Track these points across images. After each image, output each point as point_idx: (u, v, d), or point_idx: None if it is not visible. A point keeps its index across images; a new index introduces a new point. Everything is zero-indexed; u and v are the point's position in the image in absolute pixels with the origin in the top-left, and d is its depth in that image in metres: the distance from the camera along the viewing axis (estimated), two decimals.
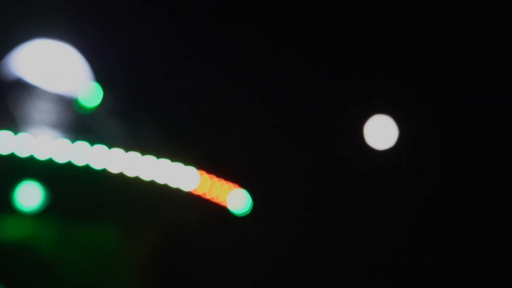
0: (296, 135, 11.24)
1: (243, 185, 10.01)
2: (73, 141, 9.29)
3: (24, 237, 11.48)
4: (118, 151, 9.32)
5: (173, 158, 9.44)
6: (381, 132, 11.27)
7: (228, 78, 10.98)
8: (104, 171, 9.39)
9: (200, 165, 9.61)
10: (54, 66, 10.30)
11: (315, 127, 11.43)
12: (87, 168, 9.34)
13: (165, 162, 9.43)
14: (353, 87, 11.36)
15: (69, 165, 9.35)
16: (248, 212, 10.15)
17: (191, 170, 9.57)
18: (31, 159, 9.28)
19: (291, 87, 11.23)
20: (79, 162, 9.33)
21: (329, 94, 11.43)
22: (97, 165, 9.36)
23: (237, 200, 9.98)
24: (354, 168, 11.19)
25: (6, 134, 9.12)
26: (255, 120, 11.01)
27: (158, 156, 9.39)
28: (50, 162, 9.31)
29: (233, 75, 10.98)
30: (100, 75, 10.53)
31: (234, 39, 11.03)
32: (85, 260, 11.71)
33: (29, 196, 10.15)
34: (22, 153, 9.22)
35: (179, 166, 9.49)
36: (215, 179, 9.73)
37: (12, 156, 9.19)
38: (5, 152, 9.17)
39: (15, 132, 9.24)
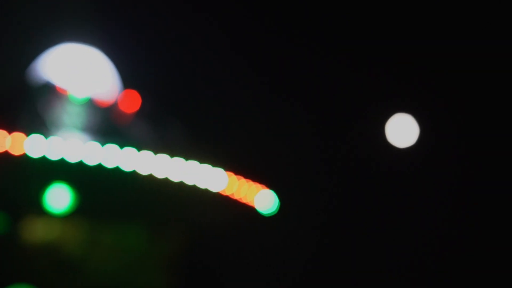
0: (320, 135, 11.34)
1: (270, 185, 10.08)
2: (103, 144, 9.39)
3: (53, 238, 11.63)
4: (147, 153, 9.41)
5: (201, 160, 9.53)
6: (402, 130, 11.35)
7: (253, 81, 11.10)
8: (133, 173, 9.48)
9: (228, 167, 9.68)
10: (83, 70, 10.45)
11: (338, 127, 11.53)
12: (116, 170, 9.44)
13: (193, 163, 9.52)
14: (375, 86, 11.45)
15: (99, 167, 9.44)
16: (275, 212, 10.26)
17: (219, 172, 9.65)
18: (61, 162, 9.38)
19: (315, 88, 11.33)
20: (108, 164, 9.43)
21: (351, 94, 11.52)
22: (126, 167, 9.47)
23: (264, 200, 10.07)
24: (377, 167, 11.29)
25: (37, 137, 9.23)
26: (280, 122, 11.12)
27: (187, 158, 9.48)
28: (80, 165, 9.39)
29: (258, 78, 11.10)
30: (127, 79, 10.68)
31: (259, 42, 11.15)
32: (113, 261, 11.83)
33: (59, 198, 10.29)
34: (53, 156, 9.34)
35: (207, 167, 9.58)
36: (242, 180, 9.81)
37: (43, 159, 9.30)
38: (36, 155, 9.28)
39: (46, 136, 9.37)
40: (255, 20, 11.06)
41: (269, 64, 11.06)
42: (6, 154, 9.15)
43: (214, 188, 9.68)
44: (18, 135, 9.16)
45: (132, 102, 10.27)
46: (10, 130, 9.19)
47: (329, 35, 11.38)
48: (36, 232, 11.55)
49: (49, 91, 9.94)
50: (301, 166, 10.92)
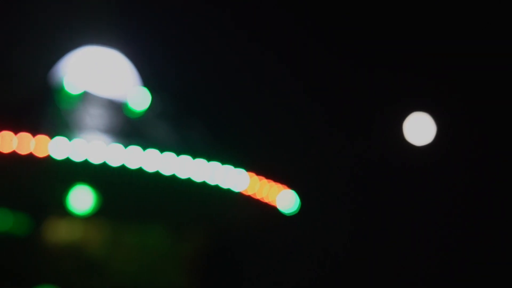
0: (338, 134, 11.39)
1: (291, 185, 10.14)
2: (125, 145, 9.46)
3: (76, 239, 11.73)
4: (169, 155, 9.47)
5: (223, 161, 9.59)
6: (419, 129, 11.39)
7: (273, 81, 11.17)
8: (155, 174, 9.55)
9: (249, 167, 9.75)
10: (104, 72, 10.53)
11: (357, 126, 11.58)
12: (139, 171, 9.51)
13: (215, 164, 9.59)
14: (392, 85, 11.50)
15: (122, 169, 9.51)
16: (297, 212, 10.32)
17: (241, 172, 9.71)
18: (85, 163, 9.44)
19: (334, 88, 11.38)
20: (131, 166, 9.50)
21: (369, 94, 11.57)
22: (149, 169, 9.53)
23: (285, 200, 10.13)
24: (395, 165, 11.33)
25: (61, 139, 9.31)
26: (300, 121, 11.19)
27: (209, 158, 9.55)
28: (103, 166, 9.46)
29: (279, 78, 11.16)
30: (148, 80, 10.76)
31: (279, 43, 11.21)
32: (135, 261, 11.92)
33: (82, 199, 10.38)
34: (77, 158, 9.41)
35: (229, 168, 9.65)
36: (264, 180, 9.87)
37: (67, 161, 9.38)
38: (60, 157, 9.36)
39: (69, 138, 9.45)
40: (275, 20, 11.13)
41: (289, 64, 11.13)
42: (30, 156, 9.25)
43: (236, 188, 9.74)
44: (42, 138, 9.25)
45: (153, 103, 10.36)
46: (34, 133, 9.28)
47: (347, 34, 11.45)
48: (59, 233, 11.65)
49: (71, 93, 10.05)
50: (321, 165, 10.98)
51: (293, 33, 11.15)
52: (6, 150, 9.25)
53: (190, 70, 10.83)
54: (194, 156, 9.50)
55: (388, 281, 11.03)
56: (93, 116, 9.95)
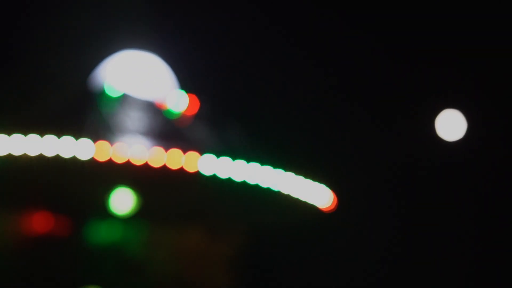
0: (374, 132, 11.45)
1: (328, 183, 10.23)
2: (165, 147, 9.58)
3: (117, 240, 11.90)
4: (209, 156, 9.58)
5: (263, 161, 9.70)
6: (451, 125, 11.43)
7: (309, 80, 11.24)
8: (196, 175, 9.65)
9: (288, 167, 9.85)
10: (142, 75, 10.69)
11: (391, 123, 11.64)
12: (179, 172, 9.62)
13: (254, 165, 9.70)
14: (425, 82, 11.55)
15: (163, 170, 9.62)
16: (334, 211, 10.41)
17: (280, 172, 9.82)
18: (126, 165, 9.56)
19: (369, 86, 11.44)
20: (172, 167, 9.60)
21: (403, 91, 11.62)
22: (189, 170, 9.64)
23: (323, 198, 10.23)
24: (429, 161, 11.37)
25: (103, 143, 9.45)
26: (335, 120, 11.25)
27: (248, 159, 9.66)
28: (144, 168, 9.58)
29: (314, 77, 11.23)
30: (186, 83, 10.92)
31: (314, 41, 11.27)
32: (176, 262, 12.05)
33: (123, 200, 10.54)
34: (118, 160, 9.54)
35: (268, 168, 9.76)
36: (302, 179, 9.96)
37: (109, 163, 9.52)
38: (102, 159, 9.51)
39: (111, 141, 9.59)
40: (309, 17, 11.18)
41: (324, 63, 11.20)
42: (74, 159, 9.40)
43: (275, 188, 9.83)
44: (84, 141, 9.40)
45: (192, 105, 10.50)
46: (76, 136, 9.44)
47: (380, 32, 11.49)
48: (101, 234, 11.84)
49: (112, 96, 10.21)
50: (357, 162, 11.05)
51: (327, 31, 11.23)
52: (50, 153, 9.46)
53: (227, 71, 10.96)
54: (234, 157, 9.62)
55: (428, 279, 11.08)
56: (133, 118, 10.10)
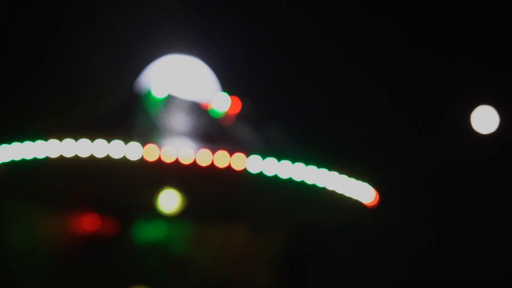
0: (411, 130, 11.59)
1: (370, 182, 10.32)
2: (212, 148, 9.70)
3: (164, 239, 12.11)
4: (255, 156, 9.67)
5: (307, 161, 9.80)
6: (485, 120, 11.52)
7: (347, 80, 11.40)
8: (241, 175, 9.76)
9: (331, 166, 9.95)
10: (187, 78, 10.94)
11: (426, 120, 11.77)
12: (226, 172, 9.72)
13: (299, 165, 9.80)
14: (461, 79, 11.66)
15: (208, 169, 9.73)
16: (376, 208, 10.51)
17: (324, 171, 9.87)
18: (172, 165, 9.69)
19: (407, 84, 11.57)
20: (218, 166, 9.70)
21: (435, 87, 11.73)
22: (235, 169, 9.75)
23: (365, 196, 10.31)
24: (469, 157, 11.46)
25: (151, 145, 9.62)
26: (373, 118, 11.39)
27: (293, 160, 9.75)
28: (189, 168, 9.70)
29: (352, 77, 11.39)
30: (228, 85, 11.15)
31: (351, 41, 11.42)
32: (221, 261, 12.22)
33: (169, 200, 10.74)
34: (165, 160, 9.69)
35: (312, 168, 9.85)
36: (344, 177, 10.02)
37: (157, 162, 9.64)
38: (150, 159, 9.66)
39: (159, 142, 9.77)
40: (350, 18, 11.33)
41: (364, 64, 11.34)
42: (124, 159, 9.58)
43: (319, 187, 9.84)
44: (134, 144, 9.57)
45: (235, 107, 10.69)
46: (126, 140, 9.59)
47: (417, 29, 11.67)
48: (149, 234, 12.06)
49: (157, 99, 10.43)
50: (397, 159, 11.16)
51: (367, 32, 11.37)
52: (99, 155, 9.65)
53: (269, 72, 11.15)
54: (279, 157, 9.73)
55: (464, 278, 11.16)
56: (180, 120, 10.30)
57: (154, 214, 11.35)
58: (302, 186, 9.76)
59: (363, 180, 10.25)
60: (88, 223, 12.00)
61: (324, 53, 11.34)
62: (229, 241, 12.12)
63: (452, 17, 11.60)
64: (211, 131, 10.21)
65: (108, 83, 11.57)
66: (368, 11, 11.27)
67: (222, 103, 10.69)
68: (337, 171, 9.96)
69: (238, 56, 11.34)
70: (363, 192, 10.26)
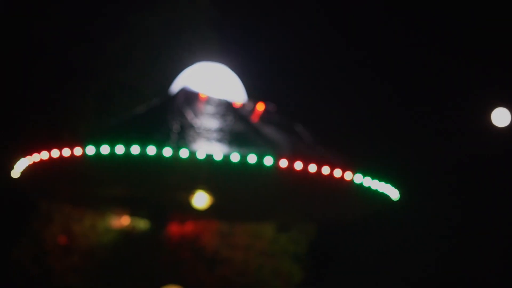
0: (435, 128, 11.86)
1: (393, 181, 10.42)
2: (240, 150, 9.95)
3: (195, 240, 12.46)
4: (281, 159, 9.71)
5: (332, 164, 9.91)
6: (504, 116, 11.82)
7: (370, 84, 11.67)
8: (268, 175, 10.01)
9: (355, 167, 10.03)
10: (215, 84, 11.31)
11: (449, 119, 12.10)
12: (255, 172, 9.95)
13: (324, 168, 9.81)
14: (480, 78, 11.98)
15: (236, 170, 9.85)
16: (400, 207, 10.68)
17: (349, 173, 9.94)
18: (203, 165, 9.81)
19: (429, 84, 11.82)
20: (247, 168, 9.98)
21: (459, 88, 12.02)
22: (263, 170, 10.01)
23: (390, 195, 10.47)
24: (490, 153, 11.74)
25: (183, 146, 9.90)
26: (395, 117, 11.64)
27: (318, 162, 9.89)
28: (219, 168, 9.79)
29: (375, 82, 11.69)
30: (253, 90, 11.53)
31: (372, 45, 11.70)
32: (252, 260, 12.56)
33: (200, 200, 11.02)
34: (196, 161, 9.93)
35: (338, 170, 9.90)
36: (369, 178, 10.09)
37: (190, 162, 9.88)
38: (184, 161, 9.94)
39: (192, 143, 10.05)
40: (369, 22, 11.61)
41: (385, 66, 11.62)
42: (160, 161, 9.86)
43: (343, 187, 9.93)
44: (168, 146, 9.87)
45: (261, 111, 11.01)
46: (161, 142, 9.86)
47: (439, 31, 12.01)
48: (180, 235, 12.40)
49: (190, 103, 10.75)
50: (420, 158, 11.38)
51: (388, 34, 11.62)
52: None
53: (293, 77, 11.42)
54: (303, 160, 9.81)
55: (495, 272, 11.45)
56: (210, 124, 10.59)
57: (188, 213, 11.63)
58: (328, 183, 9.85)
59: (389, 175, 10.41)
60: (122, 223, 12.36)
61: (346, 59, 11.62)
62: (260, 239, 12.42)
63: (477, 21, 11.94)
64: (240, 134, 10.36)
65: (143, 88, 12.05)
66: (391, 15, 11.51)
67: (249, 109, 11.01)
68: (362, 168, 10.19)
69: (264, 62, 11.68)
70: (388, 187, 10.33)
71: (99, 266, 12.19)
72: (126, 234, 12.36)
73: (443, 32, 11.87)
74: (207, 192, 10.84)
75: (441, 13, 11.84)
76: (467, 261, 11.43)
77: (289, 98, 11.42)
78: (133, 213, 12.21)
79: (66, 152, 9.65)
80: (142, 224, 12.35)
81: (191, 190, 10.79)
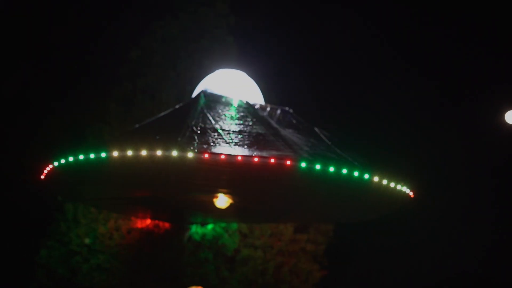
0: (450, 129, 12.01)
1: (414, 182, 10.57)
2: (260, 153, 10.09)
3: (218, 238, 12.62)
4: (302, 161, 9.82)
5: (352, 165, 10.00)
6: None
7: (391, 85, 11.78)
8: (289, 173, 10.16)
9: (377, 170, 10.11)
10: (234, 89, 11.56)
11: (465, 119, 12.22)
12: (276, 174, 10.09)
13: (344, 169, 9.85)
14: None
15: (256, 173, 9.99)
16: (420, 208, 10.82)
17: (369, 174, 9.99)
18: (226, 167, 9.97)
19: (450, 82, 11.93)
20: (268, 170, 10.14)
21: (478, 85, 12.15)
22: (284, 170, 10.20)
23: (407, 193, 10.55)
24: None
25: (206, 152, 10.09)
26: (410, 117, 11.76)
27: (338, 165, 9.99)
28: (242, 170, 9.88)
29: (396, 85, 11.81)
30: (269, 96, 11.77)
31: (393, 42, 11.81)
32: (270, 258, 12.72)
33: (222, 201, 11.22)
34: (219, 163, 10.06)
35: (358, 171, 9.96)
36: (390, 180, 10.17)
37: (213, 162, 10.00)
38: (206, 164, 10.13)
39: (214, 145, 10.24)
40: (390, 19, 11.77)
41: (406, 70, 11.76)
42: (182, 163, 10.02)
43: (361, 187, 10.05)
44: (191, 149, 10.02)
45: (281, 115, 11.23)
46: (183, 146, 10.03)
47: (460, 31, 12.19)
48: (203, 234, 12.58)
49: (213, 106, 10.98)
50: (436, 158, 11.50)
51: (410, 34, 11.75)
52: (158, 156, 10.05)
53: (311, 81, 11.58)
54: (324, 161, 9.99)
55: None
56: (231, 127, 10.79)
57: (210, 214, 11.78)
58: (347, 184, 9.95)
59: (406, 175, 10.47)
60: (146, 223, 12.52)
61: (364, 61, 11.73)
62: (280, 238, 12.55)
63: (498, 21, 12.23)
64: (260, 137, 10.48)
65: (165, 93, 12.30)
66: (411, 15, 11.59)
67: (269, 112, 11.24)
68: (380, 169, 10.32)
69: (282, 68, 11.87)
70: (406, 187, 10.39)
71: (123, 267, 12.35)
72: (150, 235, 12.53)
73: (461, 34, 11.96)
74: (229, 194, 10.96)
75: (460, 14, 11.95)
76: (485, 259, 11.50)
77: (306, 101, 11.55)
78: (156, 215, 12.38)
79: (91, 155, 9.81)
80: (166, 225, 12.53)
81: (213, 192, 10.93)
